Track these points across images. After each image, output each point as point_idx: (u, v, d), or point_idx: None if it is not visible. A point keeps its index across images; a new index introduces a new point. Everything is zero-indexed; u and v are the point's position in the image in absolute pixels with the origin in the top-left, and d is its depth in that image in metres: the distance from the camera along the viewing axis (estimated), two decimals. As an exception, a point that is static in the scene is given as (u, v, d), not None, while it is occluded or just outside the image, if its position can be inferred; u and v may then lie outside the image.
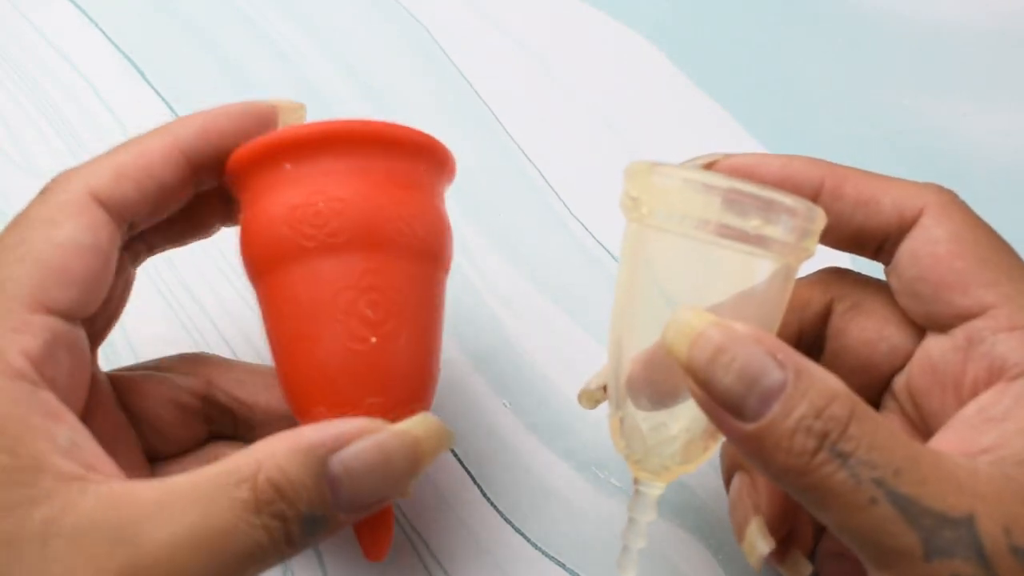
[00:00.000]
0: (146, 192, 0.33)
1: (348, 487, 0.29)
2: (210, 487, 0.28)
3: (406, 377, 0.34)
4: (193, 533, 0.27)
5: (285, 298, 0.34)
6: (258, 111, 0.35)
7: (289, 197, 0.33)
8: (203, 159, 0.34)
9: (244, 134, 0.35)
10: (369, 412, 0.33)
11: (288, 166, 0.34)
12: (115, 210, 0.33)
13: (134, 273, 0.38)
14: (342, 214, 0.33)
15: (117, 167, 0.33)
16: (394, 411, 0.34)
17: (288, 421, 0.37)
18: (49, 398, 0.29)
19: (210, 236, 0.39)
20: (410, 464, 0.31)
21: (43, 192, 0.33)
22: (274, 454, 0.29)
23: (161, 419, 0.37)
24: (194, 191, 0.35)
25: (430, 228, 0.35)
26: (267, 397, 0.38)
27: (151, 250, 0.38)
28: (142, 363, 0.39)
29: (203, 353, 0.40)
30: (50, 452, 0.28)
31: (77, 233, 0.31)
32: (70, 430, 0.29)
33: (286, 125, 0.36)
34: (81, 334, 0.32)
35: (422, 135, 0.35)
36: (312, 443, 0.29)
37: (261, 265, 0.34)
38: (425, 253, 0.35)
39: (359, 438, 0.30)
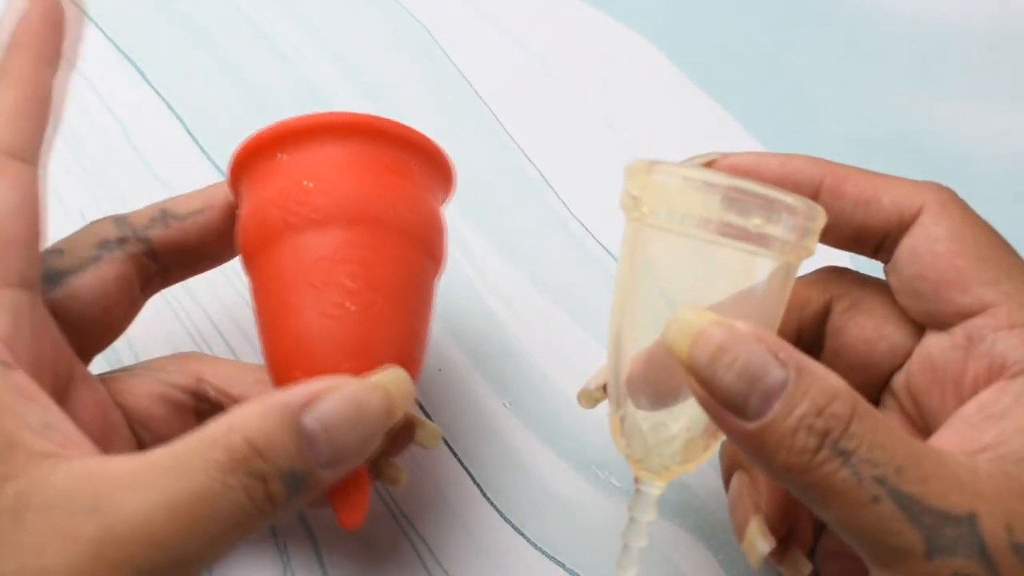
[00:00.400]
0: (42, 122, 0.32)
1: (325, 441, 0.29)
2: (184, 453, 0.28)
3: (383, 346, 0.34)
4: (169, 498, 0.27)
5: (270, 275, 0.35)
6: None
7: (281, 181, 0.35)
8: (58, 57, 0.33)
9: (72, 11, 0.34)
10: None
11: (282, 156, 0.35)
12: (27, 156, 0.32)
13: (143, 300, 0.38)
14: (328, 193, 0.34)
15: (9, 112, 0.32)
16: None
17: None
18: (21, 378, 0.29)
19: (224, 261, 0.40)
20: (383, 414, 0.31)
21: None
22: (247, 415, 0.29)
23: (151, 417, 0.37)
24: (57, 85, 0.34)
25: (417, 215, 0.36)
26: (258, 392, 0.38)
27: (166, 279, 0.39)
28: (133, 364, 0.39)
29: (193, 352, 0.40)
30: (21, 430, 0.28)
31: (4, 195, 0.31)
32: (42, 410, 0.29)
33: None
34: (37, 300, 0.32)
35: (413, 131, 0.36)
36: (284, 401, 0.29)
37: (252, 247, 0.35)
38: (409, 235, 0.35)
39: (330, 394, 0.30)
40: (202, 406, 0.38)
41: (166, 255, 0.38)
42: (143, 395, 0.37)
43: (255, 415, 0.29)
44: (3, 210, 0.30)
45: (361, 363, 0.34)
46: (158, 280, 0.39)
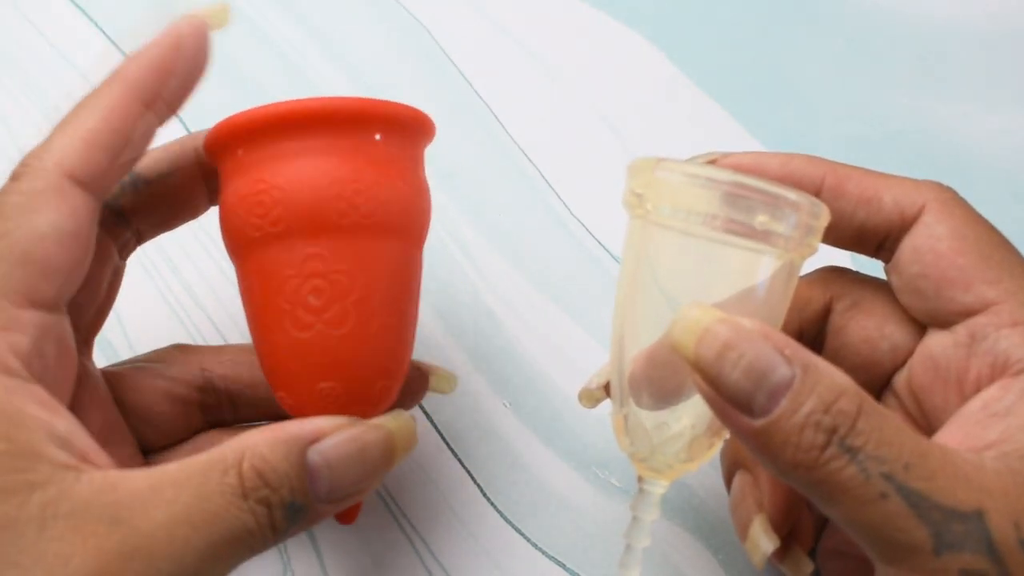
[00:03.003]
0: (117, 157, 0.32)
1: (326, 477, 0.31)
2: (201, 473, 0.29)
3: (356, 362, 0.34)
4: (188, 514, 0.28)
5: (246, 287, 0.35)
6: (190, 35, 0.34)
7: (239, 186, 0.34)
8: (159, 101, 0.33)
9: (192, 64, 0.34)
10: (324, 397, 0.34)
11: (240, 152, 0.34)
12: (91, 185, 0.32)
13: (124, 265, 0.38)
14: (282, 202, 0.33)
15: (86, 137, 0.32)
16: (352, 395, 0.34)
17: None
18: (42, 393, 0.29)
19: (198, 216, 0.39)
20: (384, 457, 0.33)
21: (15, 178, 0.32)
22: (257, 444, 0.30)
23: (154, 411, 0.37)
24: (154, 134, 0.34)
25: (380, 203, 0.34)
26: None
27: (140, 239, 0.38)
28: (133, 358, 0.39)
29: (190, 344, 0.40)
30: (45, 442, 0.28)
31: (58, 220, 0.31)
32: (64, 422, 0.29)
33: (217, 29, 0.35)
34: (65, 322, 0.32)
35: (364, 103, 0.34)
36: (292, 434, 0.31)
37: (230, 251, 0.36)
38: (374, 229, 0.34)
39: (336, 432, 0.32)
40: (208, 399, 0.38)
41: (138, 219, 0.37)
42: (147, 392, 0.37)
43: (264, 443, 0.30)
44: (54, 236, 0.31)
45: (338, 382, 0.34)
46: (133, 241, 0.38)
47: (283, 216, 0.33)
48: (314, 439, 0.31)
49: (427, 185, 0.37)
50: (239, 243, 0.34)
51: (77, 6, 0.54)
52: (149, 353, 0.39)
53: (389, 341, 0.35)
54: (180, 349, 0.39)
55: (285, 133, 0.33)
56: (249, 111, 0.34)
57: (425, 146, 0.37)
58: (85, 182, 0.32)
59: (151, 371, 0.38)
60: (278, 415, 0.38)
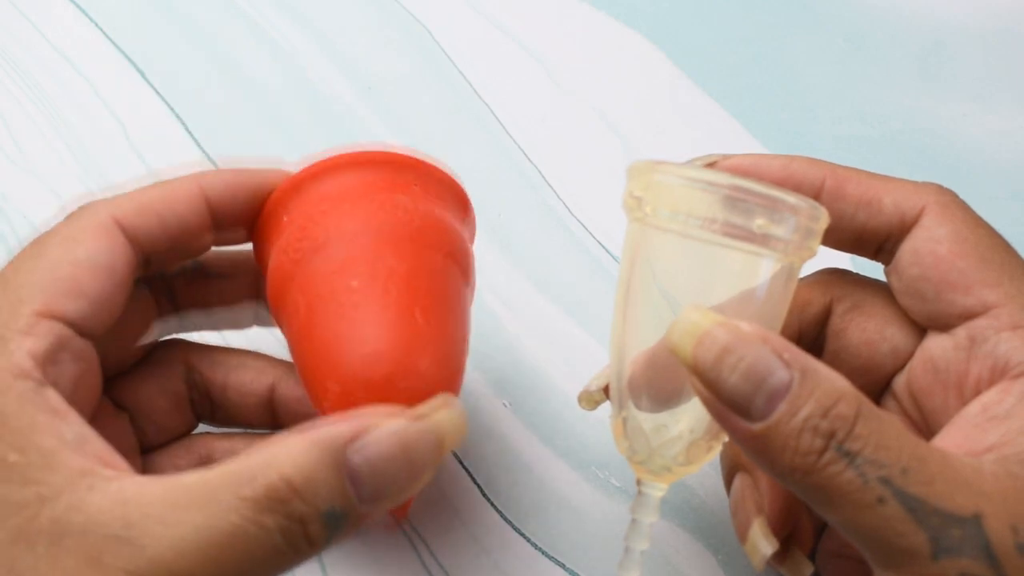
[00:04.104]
0: (168, 228, 0.34)
1: (370, 479, 0.28)
2: (217, 487, 0.27)
3: (402, 337, 0.33)
4: (198, 536, 0.26)
5: (291, 311, 0.35)
6: (284, 173, 0.37)
7: (285, 235, 0.35)
8: (226, 209, 0.35)
9: (267, 195, 0.36)
10: (370, 381, 0.33)
11: (285, 217, 0.36)
12: (135, 238, 0.33)
13: (155, 333, 0.38)
14: (323, 223, 0.34)
15: (143, 201, 0.34)
16: (399, 375, 0.33)
17: (259, 404, 0.39)
18: (54, 396, 0.29)
19: (239, 328, 0.41)
20: (432, 455, 0.29)
21: (69, 216, 0.33)
22: (288, 450, 0.27)
23: (154, 409, 0.38)
24: (212, 240, 0.36)
25: (420, 223, 0.35)
26: (238, 376, 0.39)
27: (182, 328, 0.39)
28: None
29: (177, 338, 0.40)
30: (59, 448, 0.28)
31: (95, 252, 0.32)
32: (78, 426, 0.29)
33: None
34: (89, 347, 0.32)
35: (399, 155, 0.36)
36: (329, 435, 0.28)
37: (275, 298, 0.36)
38: (414, 237, 0.35)
39: (378, 427, 0.28)
40: (192, 393, 0.39)
41: (183, 301, 0.39)
42: (145, 389, 0.37)
43: (297, 450, 0.27)
44: (88, 263, 0.32)
45: (385, 361, 0.33)
46: (175, 325, 0.39)
47: (322, 233, 0.34)
48: (354, 438, 0.28)
49: (471, 252, 0.38)
50: (284, 277, 0.35)
51: (77, 6, 0.54)
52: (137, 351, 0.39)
53: (433, 322, 0.34)
54: (170, 344, 0.39)
55: (322, 180, 0.35)
56: (289, 178, 0.36)
57: (463, 218, 0.38)
58: (129, 231, 0.33)
59: (144, 371, 0.38)
60: (254, 420, 0.39)
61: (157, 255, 0.34)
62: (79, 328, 0.31)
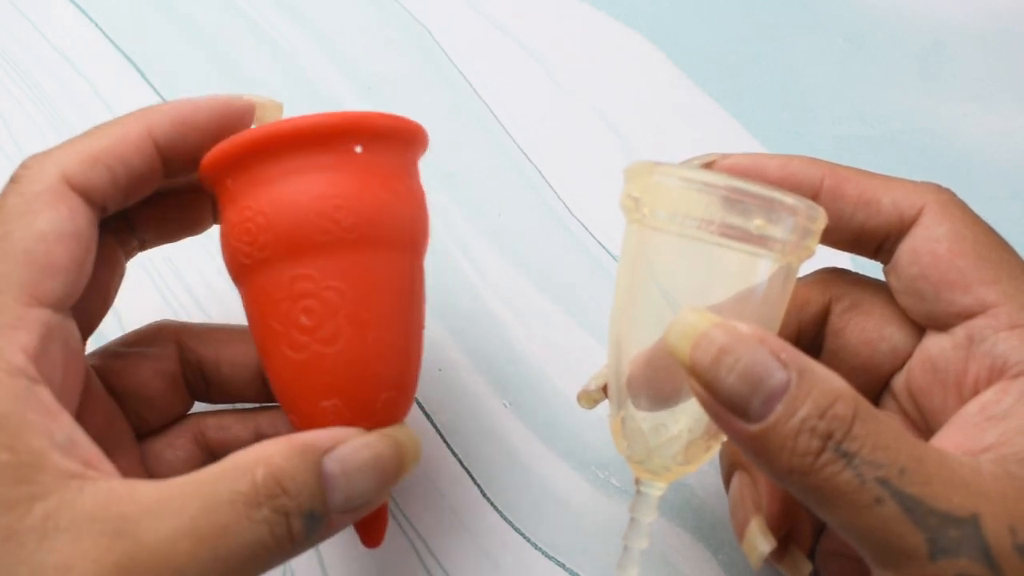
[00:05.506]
0: (117, 178, 0.33)
1: (343, 484, 0.31)
2: (210, 483, 0.29)
3: (356, 377, 0.34)
4: (194, 527, 0.28)
5: (248, 314, 0.35)
6: (234, 108, 0.35)
7: (230, 215, 0.34)
8: (175, 151, 0.34)
9: (218, 131, 0.34)
10: (329, 415, 0.34)
11: (228, 181, 0.34)
12: (88, 196, 0.32)
13: (125, 267, 0.38)
14: (266, 227, 0.33)
15: (90, 152, 0.32)
16: (356, 410, 0.34)
17: (252, 376, 0.39)
18: (46, 395, 0.29)
19: (201, 232, 0.39)
20: (396, 464, 0.33)
21: (14, 181, 0.32)
22: (272, 453, 0.30)
23: (149, 393, 0.38)
24: (163, 180, 0.35)
25: (363, 216, 0.33)
26: (230, 351, 0.39)
27: (143, 246, 0.38)
28: (110, 344, 0.39)
29: (167, 320, 0.40)
30: (49, 449, 0.28)
31: (57, 222, 0.31)
32: (68, 428, 0.29)
33: (261, 122, 0.36)
34: (72, 325, 0.32)
35: (339, 116, 0.33)
36: (307, 442, 0.31)
37: (230, 273, 0.35)
38: (360, 243, 0.33)
39: (352, 438, 0.32)
40: (187, 372, 0.39)
41: (144, 228, 0.38)
42: (139, 375, 0.37)
43: (280, 451, 0.30)
44: (54, 235, 0.31)
45: (340, 399, 0.34)
46: (136, 248, 0.38)
47: (269, 241, 0.33)
48: (330, 447, 0.31)
49: (421, 193, 0.36)
50: (235, 271, 0.34)
51: (77, 6, 0.54)
52: (125, 337, 0.39)
53: (388, 353, 0.34)
54: (159, 327, 0.39)
55: (265, 157, 0.33)
56: (231, 139, 0.33)
57: (417, 153, 0.37)
58: (82, 190, 0.32)
59: (137, 353, 0.38)
60: (248, 393, 0.39)
61: (111, 204, 0.34)
62: (61, 305, 0.31)
